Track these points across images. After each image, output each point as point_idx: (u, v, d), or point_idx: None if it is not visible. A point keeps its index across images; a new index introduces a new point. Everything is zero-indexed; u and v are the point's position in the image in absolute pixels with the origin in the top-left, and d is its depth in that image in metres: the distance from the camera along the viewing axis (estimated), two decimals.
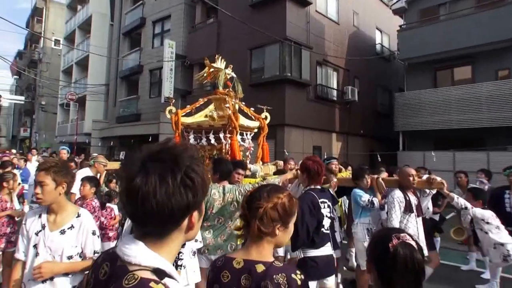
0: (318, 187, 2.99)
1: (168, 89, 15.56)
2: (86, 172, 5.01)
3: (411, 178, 3.60)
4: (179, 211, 0.82)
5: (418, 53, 12.48)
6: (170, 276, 0.82)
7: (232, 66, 5.18)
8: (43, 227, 2.00)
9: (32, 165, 8.61)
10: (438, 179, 3.60)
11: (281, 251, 4.28)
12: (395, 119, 13.17)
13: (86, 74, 23.53)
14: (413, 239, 1.24)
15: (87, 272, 2.23)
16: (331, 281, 2.83)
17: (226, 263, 1.38)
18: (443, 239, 5.61)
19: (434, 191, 3.91)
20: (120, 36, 20.74)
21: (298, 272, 1.32)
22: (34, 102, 29.99)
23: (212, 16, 15.43)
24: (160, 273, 0.81)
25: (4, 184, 3.90)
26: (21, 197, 6.77)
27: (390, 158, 11.49)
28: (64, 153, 8.02)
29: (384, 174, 4.50)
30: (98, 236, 2.15)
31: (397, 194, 3.65)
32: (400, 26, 13.82)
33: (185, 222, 0.86)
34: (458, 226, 4.94)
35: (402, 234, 1.23)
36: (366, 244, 4.18)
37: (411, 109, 12.60)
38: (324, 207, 2.87)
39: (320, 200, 2.85)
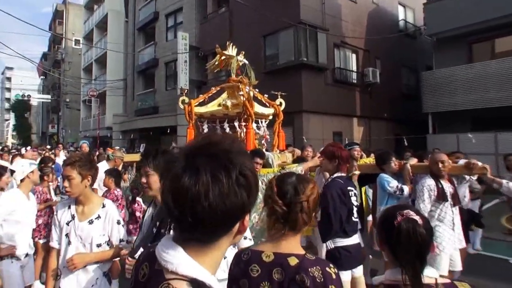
0: (344, 174, 2.88)
1: (183, 80, 15.66)
2: (104, 165, 5.16)
3: (440, 165, 3.29)
4: (233, 214, 0.74)
5: (449, 26, 11.34)
6: None
7: (244, 52, 5.02)
8: (73, 217, 2.15)
9: (60, 159, 9.01)
10: (479, 163, 3.26)
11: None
12: (423, 100, 12.32)
13: (105, 71, 24.16)
14: (418, 215, 1.27)
15: (117, 259, 2.38)
16: (360, 270, 2.76)
17: (254, 257, 1.34)
18: (486, 229, 5.06)
19: (474, 177, 3.59)
20: (135, 32, 21.07)
21: (331, 265, 1.32)
22: (59, 100, 31.29)
23: (223, 6, 15.28)
24: (198, 285, 0.73)
25: (45, 177, 4.32)
26: (57, 188, 7.15)
27: (419, 142, 10.76)
28: (85, 146, 8.42)
29: (414, 160, 4.16)
30: (123, 225, 2.27)
31: (428, 181, 3.35)
32: None
33: (237, 226, 0.78)
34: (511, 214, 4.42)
35: (406, 211, 1.27)
36: None
37: (441, 88, 11.65)
38: (352, 195, 2.78)
39: (348, 188, 2.77)
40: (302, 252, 1.35)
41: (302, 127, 11.26)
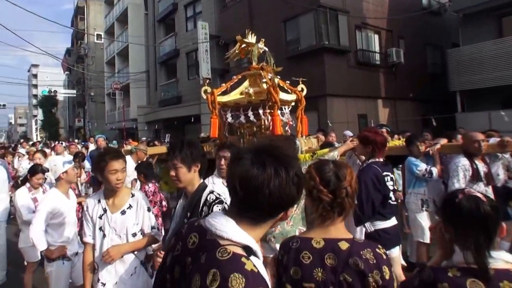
0: (381, 159, 2.86)
1: (205, 69, 15.80)
2: (128, 159, 5.12)
3: (476, 145, 3.25)
4: (285, 204, 0.93)
5: (477, 1, 10.92)
6: (255, 255, 0.92)
7: (263, 40, 5.03)
8: (105, 210, 2.18)
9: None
10: None
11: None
12: (450, 78, 12.03)
13: (127, 64, 24.62)
14: (482, 194, 1.24)
15: (154, 245, 2.47)
16: (397, 250, 2.81)
17: (304, 244, 1.35)
18: None
19: (506, 155, 3.58)
20: (155, 24, 21.26)
21: (380, 246, 1.33)
22: (84, 94, 32.18)
23: None
24: (249, 251, 0.91)
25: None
26: (89, 182, 7.32)
27: (447, 122, 10.60)
28: (101, 141, 8.31)
29: (443, 141, 4.12)
30: (153, 213, 2.33)
31: (462, 161, 3.34)
32: None
33: (281, 214, 0.96)
34: None
35: (467, 189, 1.27)
36: (419, 215, 3.97)
37: (469, 65, 11.32)
38: (388, 180, 2.78)
39: (383, 174, 2.75)
40: (350, 236, 1.37)
41: (327, 111, 11.28)
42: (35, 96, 56.02)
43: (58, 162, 3.01)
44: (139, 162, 5.08)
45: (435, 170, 3.74)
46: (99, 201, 2.22)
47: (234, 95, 4.83)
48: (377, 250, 1.30)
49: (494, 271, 1.11)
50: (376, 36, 13.40)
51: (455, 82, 11.82)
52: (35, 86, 58.74)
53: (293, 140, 3.59)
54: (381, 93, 13.09)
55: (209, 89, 4.66)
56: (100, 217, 2.18)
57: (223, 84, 4.94)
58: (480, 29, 11.38)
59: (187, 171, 1.93)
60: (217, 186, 2.80)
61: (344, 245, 1.29)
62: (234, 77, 4.96)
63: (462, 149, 3.47)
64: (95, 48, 31.47)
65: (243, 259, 0.87)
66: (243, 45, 4.81)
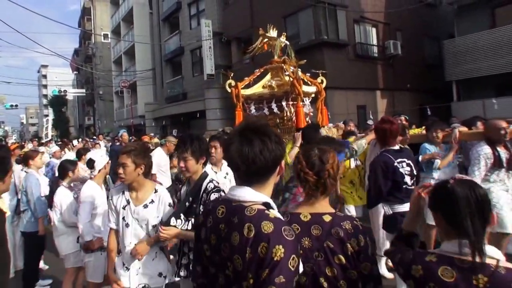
0: (395, 147, 2.97)
1: (209, 66, 16.22)
2: (159, 151, 5.52)
3: (503, 132, 3.26)
4: (277, 160, 1.19)
5: None
6: (272, 208, 1.19)
7: (285, 34, 5.21)
8: (128, 202, 2.28)
9: (102, 148, 9.73)
10: None
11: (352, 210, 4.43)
12: (445, 68, 12.38)
13: (134, 62, 25.09)
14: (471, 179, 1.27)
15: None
16: None
17: (293, 218, 1.53)
18: None
19: None
20: (160, 23, 21.65)
21: (357, 219, 1.53)
22: (93, 93, 32.79)
23: None
24: (267, 205, 1.18)
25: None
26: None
27: (443, 111, 10.94)
28: (125, 135, 8.77)
29: (463, 129, 4.08)
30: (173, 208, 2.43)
31: (485, 150, 3.32)
32: None
33: (278, 168, 1.23)
34: None
35: (457, 175, 1.29)
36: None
37: (464, 55, 11.67)
38: (403, 166, 2.87)
39: (397, 161, 2.86)
40: (333, 210, 1.55)
41: (327, 103, 11.64)
42: (45, 96, 57.04)
43: (97, 156, 3.19)
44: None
45: (437, 162, 3.74)
46: (123, 192, 2.31)
47: (257, 88, 4.99)
48: (354, 222, 1.49)
49: (471, 263, 1.10)
50: (374, 29, 13.73)
51: (450, 72, 12.16)
52: (45, 86, 59.75)
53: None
54: (379, 85, 13.46)
55: (233, 83, 4.80)
56: (124, 208, 2.27)
57: (246, 78, 5.08)
58: (474, 20, 11.67)
59: (195, 163, 2.23)
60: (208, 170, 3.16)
61: (327, 218, 1.49)
62: (257, 70, 5.09)
63: (484, 136, 3.45)
64: (102, 47, 31.98)
65: (266, 211, 1.13)
66: (265, 40, 4.98)
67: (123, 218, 2.27)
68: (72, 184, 3.54)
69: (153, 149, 6.15)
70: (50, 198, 3.58)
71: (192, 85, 18.47)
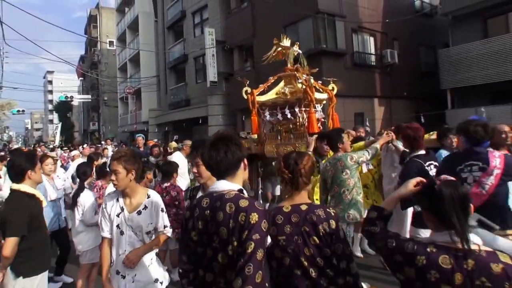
0: (422, 152, 3.15)
1: (212, 73, 16.54)
2: (178, 155, 5.70)
3: (504, 135, 3.40)
4: (240, 159, 1.59)
5: (464, 3, 11.63)
6: (243, 193, 1.55)
7: (298, 43, 5.37)
8: (122, 209, 2.28)
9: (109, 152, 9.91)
10: None
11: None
12: (440, 76, 12.68)
13: (139, 69, 25.53)
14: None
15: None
16: None
17: (278, 211, 1.82)
18: None
19: None
20: (164, 31, 22.13)
21: (331, 208, 1.81)
22: (98, 99, 33.31)
23: (246, 0, 15.87)
24: (242, 191, 1.56)
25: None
26: None
27: (438, 118, 11.25)
28: (140, 139, 8.75)
29: None
30: (165, 212, 2.43)
31: (494, 153, 3.45)
32: None
33: (243, 164, 1.61)
34: None
35: (442, 176, 1.43)
36: None
37: (458, 64, 11.99)
38: (431, 169, 3.04)
39: (426, 164, 3.04)
40: (309, 201, 1.83)
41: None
42: (51, 101, 57.80)
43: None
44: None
45: None
46: (117, 200, 2.31)
47: (271, 95, 5.18)
48: (327, 209, 1.75)
49: (462, 251, 1.26)
50: (372, 39, 14.07)
51: (445, 80, 12.48)
52: (51, 92, 60.65)
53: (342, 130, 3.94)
54: (376, 93, 13.76)
55: (249, 90, 4.98)
56: (118, 215, 2.27)
57: (261, 85, 5.28)
58: (468, 30, 12.05)
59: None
60: None
61: (304, 207, 1.76)
62: (271, 78, 5.28)
63: (491, 142, 3.60)
64: (108, 54, 32.52)
65: (241, 194, 1.52)
66: (279, 48, 5.14)
67: (118, 225, 2.27)
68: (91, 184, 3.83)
69: (171, 153, 6.39)
70: (74, 197, 3.77)
71: (195, 92, 18.82)
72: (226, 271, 1.42)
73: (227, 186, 1.54)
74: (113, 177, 2.22)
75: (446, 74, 12.46)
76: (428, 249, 1.30)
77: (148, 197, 2.35)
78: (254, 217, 1.38)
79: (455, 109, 12.22)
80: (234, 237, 1.39)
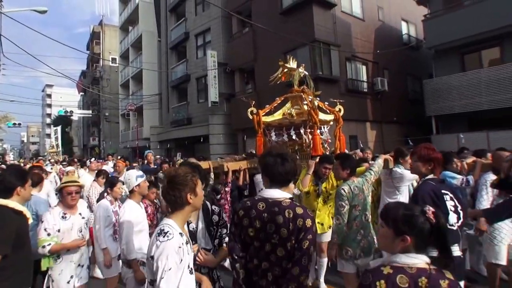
0: (437, 177, 2.68)
1: (213, 94, 17.12)
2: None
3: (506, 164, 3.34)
4: (294, 173, 1.92)
5: (444, 39, 12.80)
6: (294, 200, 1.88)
7: (304, 65, 5.43)
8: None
9: (108, 167, 9.58)
10: None
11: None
12: (425, 104, 13.65)
13: (141, 86, 25.95)
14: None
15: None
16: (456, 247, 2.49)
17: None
18: None
19: None
20: (168, 51, 22.75)
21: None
22: (99, 115, 33.60)
23: (247, 26, 16.73)
24: (291, 198, 1.84)
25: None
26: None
27: (424, 143, 12.06)
28: (150, 156, 8.79)
29: (472, 159, 4.28)
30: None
31: (491, 177, 3.59)
32: (425, 15, 14.21)
33: (292, 182, 1.94)
34: None
35: (427, 207, 1.46)
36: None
37: (441, 94, 13.00)
38: (447, 199, 2.51)
39: (442, 192, 2.53)
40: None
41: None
42: (49, 115, 57.83)
43: (132, 176, 3.22)
44: None
45: (471, 178, 3.81)
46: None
47: (277, 116, 5.14)
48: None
49: (416, 269, 1.33)
50: (364, 67, 15.09)
51: (430, 108, 13.46)
52: (49, 105, 60.71)
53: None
54: (368, 117, 14.64)
55: (254, 110, 4.97)
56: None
57: (267, 106, 5.26)
58: (448, 63, 13.19)
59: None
60: None
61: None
62: (277, 99, 5.29)
63: (491, 166, 3.72)
64: (110, 71, 32.91)
65: (294, 202, 1.79)
66: (285, 70, 5.19)
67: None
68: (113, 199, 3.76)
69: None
70: None
71: (196, 111, 19.24)
72: (282, 261, 1.75)
73: (280, 194, 1.80)
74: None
75: (431, 102, 13.44)
76: (385, 272, 1.36)
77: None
78: (309, 222, 1.74)
79: (440, 134, 13.16)
80: (293, 237, 1.72)
